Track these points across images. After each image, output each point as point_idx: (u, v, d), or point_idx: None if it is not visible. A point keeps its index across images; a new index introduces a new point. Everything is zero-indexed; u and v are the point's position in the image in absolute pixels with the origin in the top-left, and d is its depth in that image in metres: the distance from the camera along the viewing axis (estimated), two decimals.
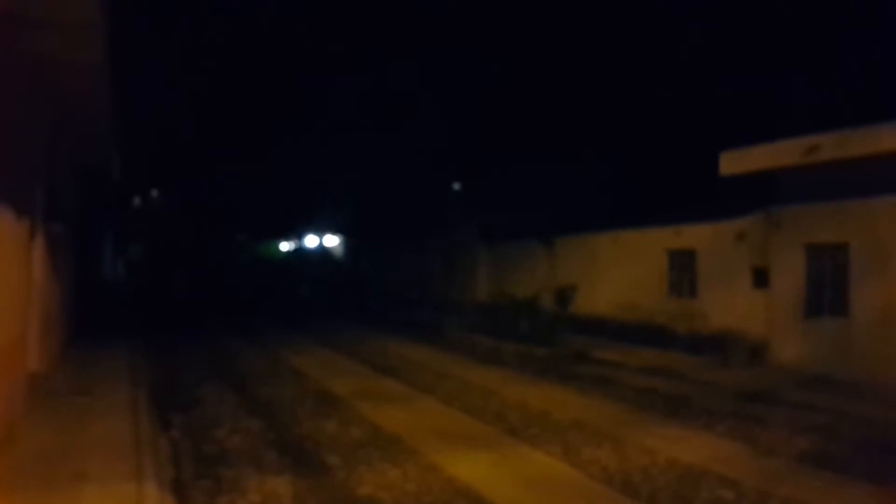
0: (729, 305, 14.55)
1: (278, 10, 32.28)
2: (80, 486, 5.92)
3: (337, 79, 33.74)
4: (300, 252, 43.65)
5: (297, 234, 45.51)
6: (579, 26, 21.69)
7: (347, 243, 38.78)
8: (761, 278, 13.83)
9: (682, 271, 16.10)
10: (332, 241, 40.57)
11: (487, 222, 24.54)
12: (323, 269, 38.07)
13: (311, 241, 43.28)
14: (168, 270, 43.54)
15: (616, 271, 18.03)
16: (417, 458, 7.41)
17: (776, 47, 16.14)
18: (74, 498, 5.64)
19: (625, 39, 20.38)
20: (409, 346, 17.24)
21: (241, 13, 31.33)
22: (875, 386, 10.91)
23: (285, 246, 47.85)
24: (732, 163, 13.16)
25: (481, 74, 25.33)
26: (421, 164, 29.18)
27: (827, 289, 12.57)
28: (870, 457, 7.63)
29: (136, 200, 42.09)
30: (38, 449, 7.06)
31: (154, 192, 46.64)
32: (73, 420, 8.28)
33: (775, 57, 16.22)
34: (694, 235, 15.64)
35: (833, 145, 11.33)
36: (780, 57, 16.13)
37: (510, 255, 23.39)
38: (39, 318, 10.07)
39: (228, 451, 7.65)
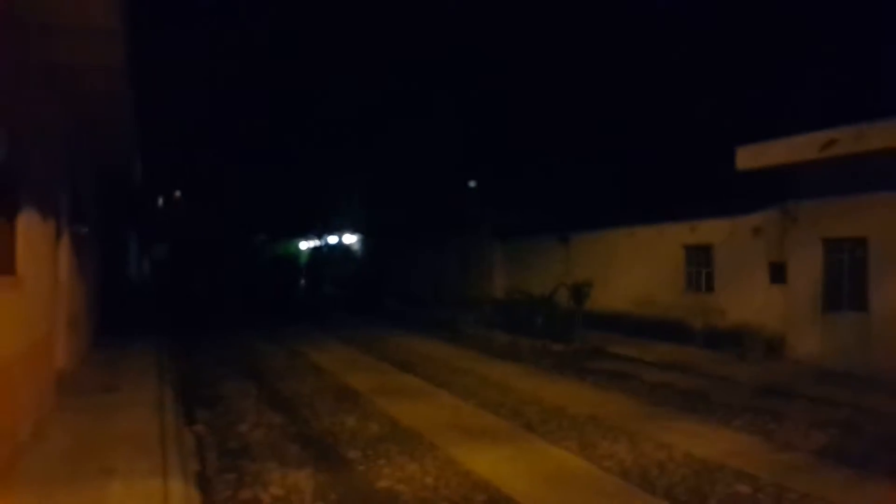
0: (746, 300, 14.54)
1: (298, 13, 32.53)
2: (107, 480, 6.03)
3: (355, 80, 33.95)
4: (321, 251, 43.83)
5: (316, 234, 45.79)
6: (593, 24, 21.69)
7: (365, 242, 38.95)
8: (778, 273, 13.80)
9: (699, 266, 16.10)
10: (350, 239, 40.75)
11: (503, 220, 24.59)
12: (344, 268, 38.15)
13: (330, 240, 43.54)
14: (191, 270, 43.93)
15: (632, 267, 18.04)
16: (435, 452, 7.51)
17: (791, 41, 16.07)
18: (101, 492, 5.74)
19: (639, 37, 20.35)
20: (427, 343, 17.35)
21: (261, 16, 31.63)
22: (894, 381, 10.87)
23: (304, 245, 48.14)
24: (749, 158, 13.14)
25: (497, 75, 25.37)
26: (437, 163, 29.29)
27: (845, 283, 12.53)
28: (889, 452, 7.61)
29: (160, 202, 42.58)
30: (65, 444, 7.18)
31: (177, 194, 47.21)
32: (99, 416, 8.42)
33: (790, 51, 16.15)
34: (710, 231, 15.63)
35: (851, 140, 11.27)
36: (795, 51, 16.06)
37: (526, 252, 23.43)
38: (66, 318, 10.28)
39: (251, 446, 7.79)
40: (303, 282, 38.82)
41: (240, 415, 9.34)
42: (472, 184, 28.26)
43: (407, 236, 31.99)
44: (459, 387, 11.43)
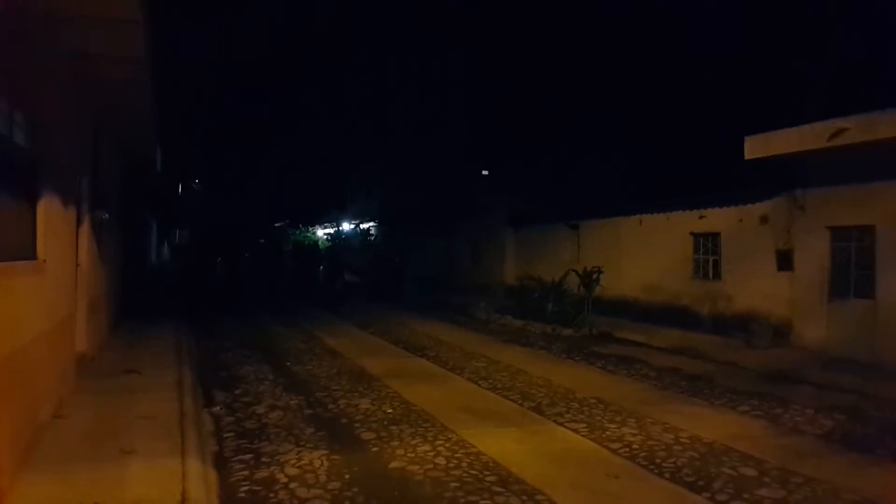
0: (753, 287, 14.61)
1: (316, 4, 32.61)
2: (127, 460, 6.10)
3: (370, 69, 34.07)
4: (340, 238, 43.72)
5: (334, 221, 45.95)
6: (602, 14, 21.69)
7: (381, 229, 39.05)
8: (785, 260, 13.86)
9: (707, 254, 16.19)
10: (365, 226, 40.84)
11: (515, 208, 24.71)
12: (363, 256, 37.97)
13: (348, 227, 43.69)
14: (210, 256, 44.10)
15: (641, 254, 18.15)
16: (447, 434, 7.63)
17: (800, 29, 16.04)
18: (121, 472, 5.80)
19: (647, 25, 20.34)
20: (440, 328, 17.51)
21: (276, 6, 31.71)
22: None
23: (321, 232, 48.32)
24: (757, 147, 13.13)
25: (509, 65, 25.40)
26: (451, 152, 29.40)
27: (852, 271, 12.56)
28: (895, 437, 7.67)
29: (179, 188, 42.85)
30: (86, 425, 7.26)
31: (196, 181, 47.57)
32: (119, 398, 8.54)
33: (799, 40, 16.12)
34: (718, 218, 15.69)
35: (860, 128, 11.17)
36: (804, 39, 16.02)
37: (537, 240, 23.55)
38: (87, 301, 10.42)
39: (268, 427, 7.92)
40: (322, 268, 38.58)
41: (257, 397, 9.50)
42: (484, 172, 28.39)
43: (421, 224, 32.08)
44: (471, 370, 11.59)
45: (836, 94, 14.12)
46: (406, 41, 30.71)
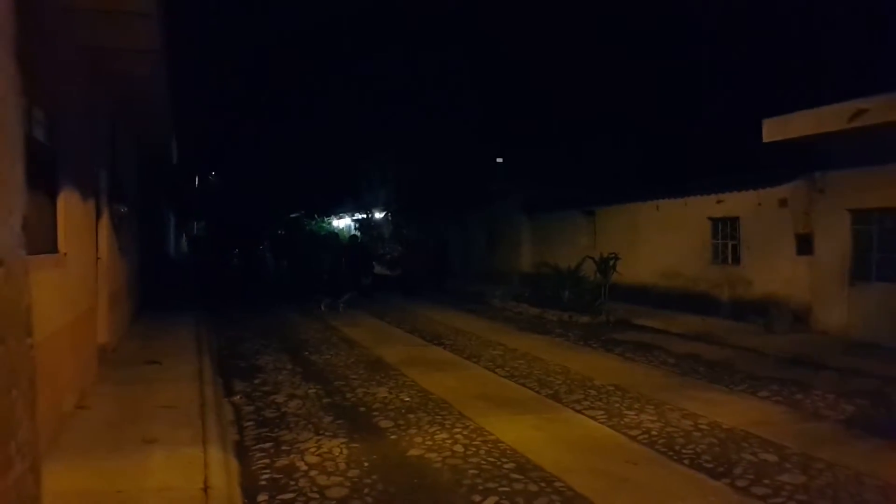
0: (772, 272, 14.49)
1: None
2: (149, 449, 6.16)
3: (383, 56, 33.97)
4: (368, 227, 43.12)
5: (349, 211, 45.87)
6: None
7: (395, 218, 38.94)
8: (805, 244, 13.72)
9: (725, 238, 16.06)
10: (380, 215, 40.69)
11: (530, 194, 24.62)
12: (391, 247, 37.40)
13: (359, 216, 43.58)
14: (227, 248, 44.23)
15: (658, 240, 18.03)
16: (465, 421, 7.65)
17: (817, 11, 15.85)
18: (143, 461, 5.86)
19: (664, 8, 20.17)
20: (456, 316, 17.52)
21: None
22: None
23: (337, 223, 48.28)
24: (776, 130, 12.98)
25: (523, 49, 25.26)
26: (465, 138, 29.30)
27: (874, 254, 12.41)
28: None
29: (196, 181, 43.12)
30: (108, 415, 7.35)
31: (213, 173, 47.83)
32: (141, 388, 8.63)
33: (818, 20, 15.92)
34: (737, 202, 15.54)
35: (881, 109, 10.94)
36: (823, 20, 15.83)
37: (552, 226, 23.47)
38: (107, 294, 10.53)
39: (287, 416, 7.98)
40: (345, 261, 37.73)
41: (276, 386, 9.57)
42: (499, 160, 28.32)
43: (435, 211, 31.96)
44: (488, 358, 11.59)
45: (855, 74, 13.93)
46: (419, 26, 30.60)
